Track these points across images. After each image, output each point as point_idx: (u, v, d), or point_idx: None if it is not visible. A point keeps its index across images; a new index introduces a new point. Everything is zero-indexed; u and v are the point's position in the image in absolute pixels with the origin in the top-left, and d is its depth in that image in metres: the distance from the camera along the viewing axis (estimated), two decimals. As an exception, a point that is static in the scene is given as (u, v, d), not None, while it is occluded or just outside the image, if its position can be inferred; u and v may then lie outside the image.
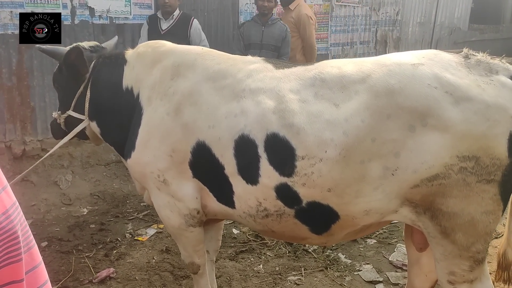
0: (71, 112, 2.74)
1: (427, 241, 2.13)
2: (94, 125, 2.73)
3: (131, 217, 4.47)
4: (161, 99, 2.38)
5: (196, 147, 2.28)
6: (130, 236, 4.09)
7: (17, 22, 4.47)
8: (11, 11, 4.47)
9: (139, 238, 4.05)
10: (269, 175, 2.11)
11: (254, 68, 2.29)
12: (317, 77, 2.12)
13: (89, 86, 2.66)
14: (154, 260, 3.69)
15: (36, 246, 0.96)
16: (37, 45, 2.72)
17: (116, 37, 3.21)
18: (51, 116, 2.80)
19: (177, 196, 2.42)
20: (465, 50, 2.06)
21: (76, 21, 4.89)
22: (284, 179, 2.09)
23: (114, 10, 5.07)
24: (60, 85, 2.83)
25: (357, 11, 7.71)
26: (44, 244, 3.88)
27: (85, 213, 4.55)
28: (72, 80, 2.70)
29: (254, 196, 2.20)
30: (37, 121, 4.91)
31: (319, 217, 2.16)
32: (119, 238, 4.03)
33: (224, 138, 2.19)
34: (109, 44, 3.02)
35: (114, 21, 5.11)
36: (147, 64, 2.51)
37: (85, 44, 2.80)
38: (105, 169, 5.28)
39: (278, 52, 5.03)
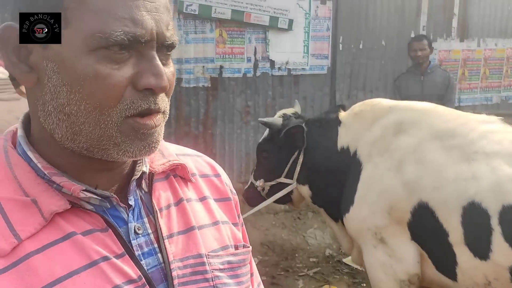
0: (282, 179, 2.83)
1: None
2: (305, 189, 2.79)
3: (301, 273, 4.26)
4: (382, 155, 2.34)
5: (417, 208, 2.16)
6: (302, 294, 3.87)
7: (207, 75, 4.90)
8: (203, 66, 4.87)
9: (311, 299, 3.80)
10: (503, 253, 1.87)
11: (490, 128, 2.12)
12: None
13: (302, 152, 2.74)
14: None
15: None
16: (260, 118, 3.08)
17: (296, 101, 3.31)
18: (251, 183, 2.79)
19: (395, 257, 2.27)
20: None
21: (258, 73, 5.09)
22: None
23: (292, 62, 5.16)
24: (270, 154, 2.92)
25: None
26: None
27: (256, 263, 4.50)
28: (286, 150, 2.81)
29: (482, 273, 2.01)
30: (214, 168, 5.14)
31: None
32: (290, 296, 3.84)
33: (450, 203, 2.05)
34: (297, 108, 3.13)
35: (291, 72, 5.20)
36: (366, 122, 2.50)
37: (287, 111, 2.98)
38: (274, 218, 5.25)
39: (442, 101, 4.49)
